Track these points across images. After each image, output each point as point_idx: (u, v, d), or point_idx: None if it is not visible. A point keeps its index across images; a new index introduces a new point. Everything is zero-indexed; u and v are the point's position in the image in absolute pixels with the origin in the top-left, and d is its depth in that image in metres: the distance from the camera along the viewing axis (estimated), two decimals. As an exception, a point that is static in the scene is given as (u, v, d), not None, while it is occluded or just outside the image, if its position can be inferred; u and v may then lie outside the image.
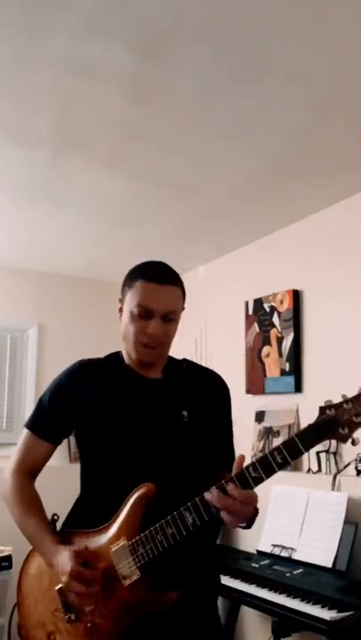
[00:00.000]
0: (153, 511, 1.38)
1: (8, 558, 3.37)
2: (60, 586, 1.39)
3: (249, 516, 1.36)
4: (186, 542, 1.33)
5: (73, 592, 1.34)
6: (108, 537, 1.40)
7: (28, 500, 1.53)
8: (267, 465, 1.26)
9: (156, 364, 1.54)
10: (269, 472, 1.26)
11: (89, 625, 1.36)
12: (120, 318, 1.53)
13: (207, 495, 1.29)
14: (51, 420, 1.55)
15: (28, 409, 4.03)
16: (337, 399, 1.30)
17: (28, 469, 1.57)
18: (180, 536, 1.32)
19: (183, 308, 1.55)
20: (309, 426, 1.26)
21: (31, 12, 1.67)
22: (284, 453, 1.25)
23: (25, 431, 1.57)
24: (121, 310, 1.53)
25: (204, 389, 1.57)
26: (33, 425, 1.57)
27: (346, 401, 1.25)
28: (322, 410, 1.26)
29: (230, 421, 1.62)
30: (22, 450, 1.57)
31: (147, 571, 1.35)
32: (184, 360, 1.63)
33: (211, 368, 1.66)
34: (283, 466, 1.25)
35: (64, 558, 1.36)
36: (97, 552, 1.39)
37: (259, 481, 1.27)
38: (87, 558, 1.36)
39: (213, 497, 1.27)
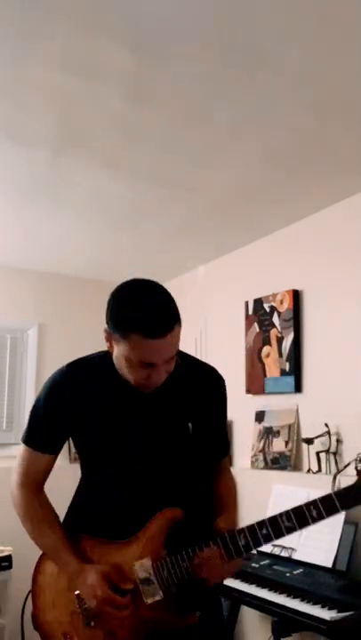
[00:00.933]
0: (153, 509, 1.39)
1: (8, 558, 3.37)
2: (79, 592, 1.40)
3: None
4: None
5: (104, 615, 1.35)
6: (131, 553, 1.41)
7: (39, 515, 1.51)
8: (302, 517, 1.31)
9: None
10: (303, 524, 1.31)
11: (107, 633, 1.38)
12: (108, 347, 1.43)
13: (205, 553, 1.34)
14: (47, 431, 1.50)
15: (28, 409, 4.01)
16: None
17: (33, 482, 1.53)
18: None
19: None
20: (350, 487, 1.29)
21: (31, 11, 1.67)
22: (321, 509, 1.29)
23: (22, 446, 1.53)
24: (109, 341, 1.41)
25: (201, 385, 1.56)
26: (30, 439, 1.52)
27: None
28: (360, 472, 1.29)
29: (225, 414, 1.62)
30: (23, 465, 1.53)
31: (169, 592, 1.37)
32: (179, 353, 1.53)
33: (205, 362, 1.64)
34: (317, 520, 1.30)
35: (90, 581, 1.36)
36: (119, 566, 1.40)
37: (291, 530, 1.32)
38: (114, 578, 1.37)
39: (205, 556, 1.34)
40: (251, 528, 1.33)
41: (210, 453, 1.57)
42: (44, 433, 1.51)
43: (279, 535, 1.31)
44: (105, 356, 1.48)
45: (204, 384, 1.57)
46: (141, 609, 1.37)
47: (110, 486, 1.47)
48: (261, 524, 1.32)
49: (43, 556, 1.53)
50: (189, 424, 1.47)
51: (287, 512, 1.31)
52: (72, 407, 1.48)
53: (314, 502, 1.28)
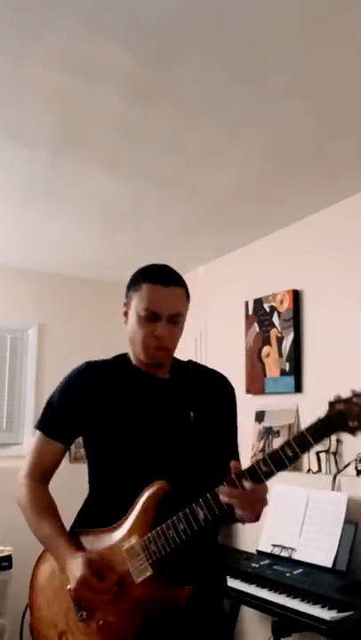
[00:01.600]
0: (161, 509, 1.39)
1: (8, 558, 3.37)
2: (70, 586, 1.40)
3: (261, 509, 1.38)
4: (196, 537, 1.34)
5: (82, 598, 1.36)
6: (119, 535, 1.42)
7: (41, 504, 1.52)
8: (278, 459, 1.28)
9: (163, 364, 1.55)
10: (280, 466, 1.28)
11: (101, 623, 1.38)
12: (125, 322, 1.55)
13: (220, 491, 1.31)
14: (60, 419, 1.55)
15: (29, 409, 4.03)
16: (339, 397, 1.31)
17: (41, 473, 1.56)
18: (192, 531, 1.34)
19: (187, 309, 1.56)
20: (320, 419, 1.28)
21: (31, 11, 1.67)
22: (295, 448, 1.27)
23: (36, 433, 1.58)
24: (126, 314, 1.55)
25: (211, 390, 1.59)
26: (43, 425, 1.57)
27: (356, 395, 1.26)
28: (331, 404, 1.28)
29: (235, 423, 1.64)
30: (34, 452, 1.57)
31: (159, 567, 1.36)
32: (190, 361, 1.64)
33: (216, 369, 1.66)
34: (294, 460, 1.28)
35: (76, 564, 1.37)
36: (109, 551, 1.41)
37: (269, 475, 1.30)
38: (99, 565, 1.37)
39: (225, 491, 1.30)
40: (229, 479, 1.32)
41: (220, 460, 1.57)
42: (56, 420, 1.55)
43: (258, 481, 1.29)
44: (120, 358, 1.59)
45: (213, 387, 1.60)
46: (133, 591, 1.36)
47: (118, 485, 1.48)
48: (241, 474, 1.31)
49: (38, 560, 1.55)
50: (191, 413, 1.50)
51: (263, 458, 1.30)
52: (84, 402, 1.52)
53: (288, 442, 1.28)
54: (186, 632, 1.42)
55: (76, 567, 1.37)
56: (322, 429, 1.27)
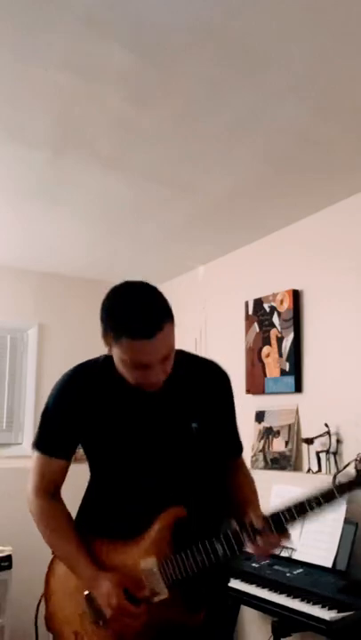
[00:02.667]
0: (161, 511, 1.41)
1: (8, 558, 3.37)
2: (87, 592, 1.41)
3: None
4: (213, 567, 1.38)
5: (120, 625, 1.37)
6: (137, 552, 1.42)
7: (55, 521, 1.51)
8: (304, 511, 1.36)
9: None
10: (305, 517, 1.36)
11: (116, 634, 1.39)
12: (108, 350, 1.44)
13: (244, 534, 1.37)
14: (58, 435, 1.51)
15: (29, 409, 4.04)
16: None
17: (49, 489, 1.53)
18: (210, 564, 1.37)
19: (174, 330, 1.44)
20: (350, 482, 1.37)
21: (31, 11, 1.67)
22: (321, 502, 1.35)
23: (35, 453, 1.53)
24: (107, 344, 1.42)
25: (205, 383, 1.56)
26: (41, 445, 1.53)
27: None
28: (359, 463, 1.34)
29: (233, 410, 1.63)
30: (37, 472, 1.53)
31: (175, 590, 1.38)
32: (181, 352, 1.55)
33: (207, 358, 1.64)
34: (320, 513, 1.37)
35: (106, 589, 1.37)
36: (128, 569, 1.41)
37: (294, 523, 1.37)
38: (128, 586, 1.38)
39: (252, 547, 1.37)
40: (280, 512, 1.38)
41: (222, 452, 1.58)
42: (54, 437, 1.52)
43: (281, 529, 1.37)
44: (109, 359, 1.49)
45: (208, 381, 1.57)
46: (150, 608, 1.38)
47: (118, 488, 1.48)
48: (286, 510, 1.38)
49: (54, 558, 1.55)
50: (193, 425, 1.47)
51: (288, 508, 1.38)
52: (80, 410, 1.49)
53: (316, 498, 1.37)
54: None
55: (106, 592, 1.37)
56: (347, 488, 1.36)
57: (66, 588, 1.49)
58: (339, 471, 2.72)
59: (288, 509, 1.34)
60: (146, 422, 1.48)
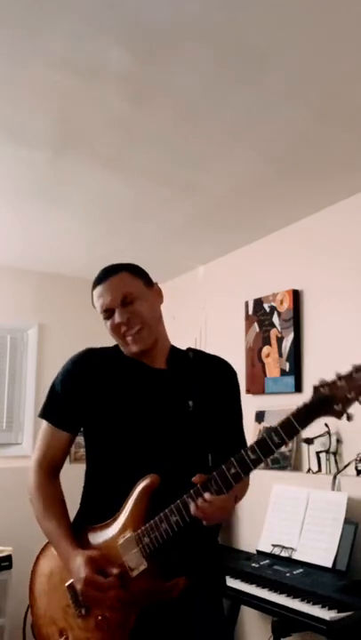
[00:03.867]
0: (161, 501, 1.39)
1: (8, 558, 3.37)
2: (69, 582, 1.42)
3: (222, 517, 1.40)
4: (190, 530, 1.35)
5: (90, 598, 1.37)
6: (114, 530, 1.43)
7: (49, 499, 1.53)
8: (265, 446, 1.29)
9: (153, 350, 1.54)
10: (267, 453, 1.29)
11: (99, 618, 1.39)
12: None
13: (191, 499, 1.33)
14: (65, 407, 1.55)
15: (28, 409, 4.03)
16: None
17: (50, 464, 1.56)
18: (184, 523, 1.34)
19: (150, 285, 1.57)
20: (304, 404, 1.29)
21: (31, 11, 1.67)
22: (281, 433, 1.28)
23: (43, 423, 1.58)
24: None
25: (212, 376, 1.59)
26: (47, 414, 1.57)
27: (339, 378, 1.28)
28: (316, 389, 1.29)
29: (240, 406, 1.64)
30: (41, 443, 1.57)
31: (153, 560, 1.37)
32: (190, 349, 1.64)
33: (216, 355, 1.66)
34: (280, 446, 1.28)
35: (78, 564, 1.38)
36: (106, 546, 1.42)
37: (257, 462, 1.31)
38: (99, 562, 1.38)
39: (194, 506, 1.32)
40: (219, 471, 1.33)
41: (225, 446, 1.58)
42: (60, 407, 1.56)
43: (247, 470, 1.31)
44: (117, 347, 1.58)
45: (214, 374, 1.60)
46: (130, 585, 1.37)
47: (116, 478, 1.48)
48: (229, 463, 1.32)
49: (37, 558, 1.56)
50: (189, 402, 1.50)
51: (251, 446, 1.31)
52: (86, 388, 1.53)
53: (274, 428, 1.28)
54: (184, 627, 1.43)
55: (78, 567, 1.38)
56: (307, 414, 1.27)
57: (50, 585, 1.50)
58: (339, 471, 2.73)
59: (251, 447, 1.30)
60: (144, 400, 1.51)
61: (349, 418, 1.26)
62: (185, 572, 1.38)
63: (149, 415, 1.50)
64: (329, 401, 1.26)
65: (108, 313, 1.51)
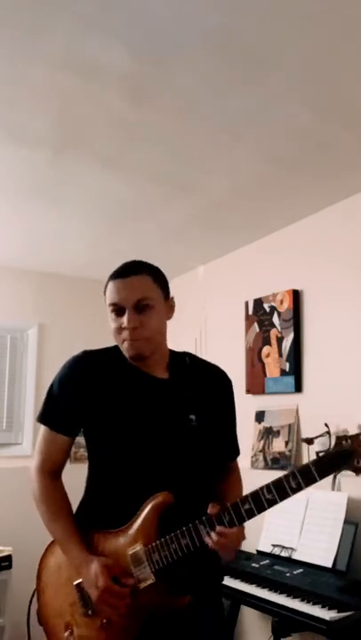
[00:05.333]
0: (166, 516, 1.41)
1: (8, 558, 3.36)
2: (78, 581, 1.44)
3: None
4: (199, 551, 1.37)
5: (103, 604, 1.38)
6: (124, 540, 1.44)
7: (55, 503, 1.53)
8: (281, 489, 1.30)
9: (152, 358, 1.53)
10: (283, 496, 1.30)
11: (105, 621, 1.41)
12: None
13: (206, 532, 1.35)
14: (63, 411, 1.54)
15: (28, 409, 4.03)
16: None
17: (52, 468, 1.56)
18: (194, 547, 1.36)
19: (168, 297, 1.55)
20: (326, 455, 1.30)
21: (31, 11, 1.67)
22: (299, 479, 1.29)
23: (41, 428, 1.57)
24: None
25: (209, 386, 1.59)
26: (46, 418, 1.56)
27: None
28: (339, 440, 1.30)
29: (234, 416, 1.65)
30: (41, 448, 1.57)
31: (161, 576, 1.39)
32: (186, 354, 1.63)
33: (213, 362, 1.67)
34: (296, 491, 1.30)
35: (94, 571, 1.39)
36: (117, 555, 1.43)
37: (272, 503, 1.32)
38: (115, 570, 1.40)
39: (213, 539, 1.34)
40: (234, 505, 1.35)
41: (219, 452, 1.59)
42: (58, 411, 1.54)
43: (261, 509, 1.32)
44: (117, 348, 1.55)
45: (212, 381, 1.61)
46: (137, 596, 1.39)
47: (118, 486, 1.49)
48: (244, 499, 1.33)
49: (46, 551, 1.57)
50: (191, 416, 1.50)
51: (267, 485, 1.32)
52: (84, 390, 1.52)
53: (292, 473, 1.30)
54: (187, 638, 1.45)
55: (93, 573, 1.39)
56: (327, 465, 1.29)
57: (58, 579, 1.52)
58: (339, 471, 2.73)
59: (267, 487, 1.31)
60: (147, 412, 1.50)
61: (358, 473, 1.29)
62: (191, 589, 1.41)
63: (152, 426, 1.49)
64: (350, 456, 1.28)
65: (116, 308, 1.49)
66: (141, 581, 1.39)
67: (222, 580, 1.64)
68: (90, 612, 1.43)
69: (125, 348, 1.50)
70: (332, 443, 1.29)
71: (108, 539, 1.46)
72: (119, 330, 1.49)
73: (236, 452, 1.69)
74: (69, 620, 1.47)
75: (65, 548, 1.49)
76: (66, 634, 1.47)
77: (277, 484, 1.31)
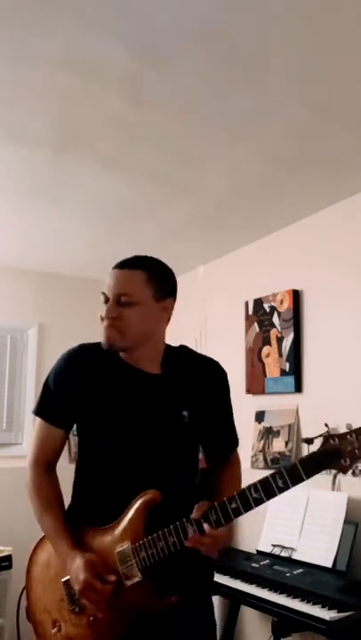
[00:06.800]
0: (154, 513, 1.41)
1: (8, 558, 3.36)
2: (66, 578, 1.44)
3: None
4: (186, 549, 1.36)
5: (87, 601, 1.38)
6: (112, 537, 1.43)
7: (47, 496, 1.54)
8: (268, 488, 1.31)
9: (141, 354, 1.53)
10: (270, 495, 1.31)
11: (91, 618, 1.41)
12: None
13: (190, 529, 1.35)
14: (58, 404, 1.54)
15: (28, 409, 4.03)
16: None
17: (46, 460, 1.56)
18: (181, 546, 1.36)
19: (162, 298, 1.53)
20: (313, 454, 1.30)
21: (31, 11, 1.67)
22: (286, 478, 1.29)
23: (36, 420, 1.58)
24: None
25: (203, 379, 1.59)
26: (41, 410, 1.56)
27: (350, 432, 1.27)
28: (326, 439, 1.29)
29: (230, 406, 1.65)
30: (36, 440, 1.57)
31: (147, 574, 1.38)
32: (182, 347, 1.64)
33: (206, 355, 1.67)
34: (283, 490, 1.31)
35: (76, 566, 1.39)
36: (104, 552, 1.43)
37: (259, 502, 1.32)
38: (98, 567, 1.39)
39: (192, 539, 1.33)
40: (221, 503, 1.34)
41: (216, 445, 1.59)
42: (53, 404, 1.55)
43: (248, 508, 1.32)
44: None
45: (205, 375, 1.60)
46: (123, 594, 1.39)
47: (109, 478, 1.49)
48: (231, 498, 1.33)
49: (36, 546, 1.58)
50: (184, 412, 1.50)
51: (254, 484, 1.32)
52: (79, 384, 1.52)
53: (279, 472, 1.30)
54: (173, 635, 1.45)
55: (77, 568, 1.39)
56: (314, 464, 1.28)
57: (47, 575, 1.52)
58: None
59: (254, 486, 1.31)
60: (135, 408, 1.50)
61: (356, 474, 1.29)
62: (178, 588, 1.40)
63: (143, 422, 1.49)
64: (337, 454, 1.27)
65: (105, 297, 1.52)
66: (128, 579, 1.39)
67: (212, 577, 1.63)
68: (77, 610, 1.43)
69: (101, 337, 1.51)
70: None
71: (96, 535, 1.46)
72: (101, 318, 1.51)
73: (235, 442, 1.67)
74: (57, 617, 1.47)
75: (53, 542, 1.49)
76: (53, 630, 1.47)
77: (264, 483, 1.31)
